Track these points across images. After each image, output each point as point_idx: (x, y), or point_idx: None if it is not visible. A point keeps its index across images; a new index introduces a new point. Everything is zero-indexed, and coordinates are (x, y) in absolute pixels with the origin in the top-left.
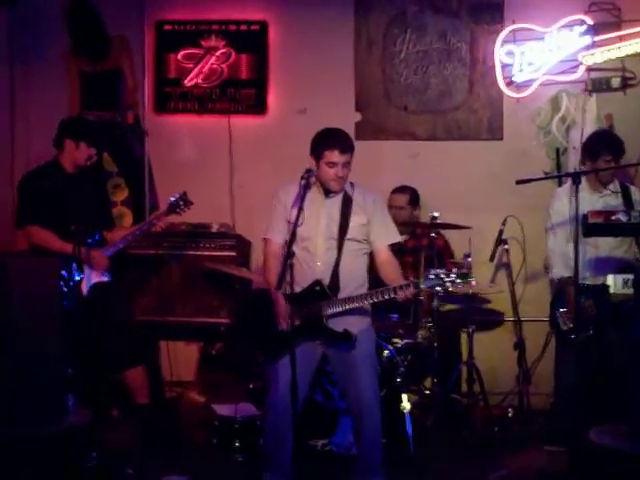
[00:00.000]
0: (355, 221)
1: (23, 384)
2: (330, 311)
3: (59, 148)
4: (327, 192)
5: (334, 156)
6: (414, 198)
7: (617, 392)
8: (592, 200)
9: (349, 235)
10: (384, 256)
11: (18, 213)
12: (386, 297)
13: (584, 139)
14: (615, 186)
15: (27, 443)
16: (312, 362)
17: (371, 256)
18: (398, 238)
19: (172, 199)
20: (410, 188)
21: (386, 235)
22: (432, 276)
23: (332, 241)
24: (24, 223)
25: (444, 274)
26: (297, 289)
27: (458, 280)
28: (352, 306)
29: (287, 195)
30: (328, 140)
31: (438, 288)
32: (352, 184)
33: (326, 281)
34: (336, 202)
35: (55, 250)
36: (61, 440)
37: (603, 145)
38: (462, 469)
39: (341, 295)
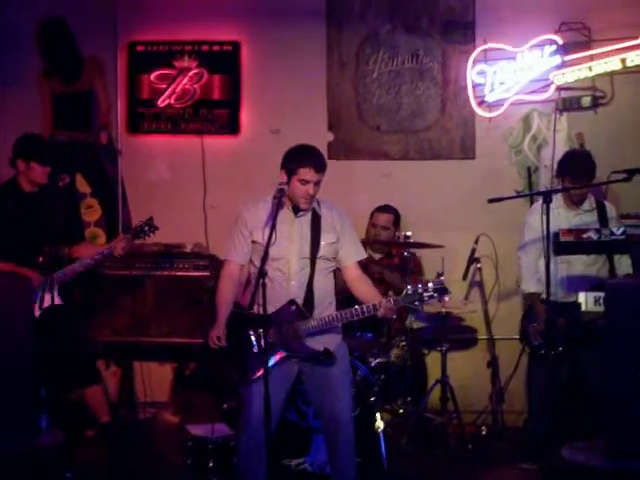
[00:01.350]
0: (325, 239)
1: None
2: (308, 330)
3: (13, 168)
4: (296, 210)
5: (309, 174)
6: (397, 218)
7: (589, 409)
8: (568, 217)
9: (320, 254)
10: (356, 273)
11: None
12: (367, 314)
13: (555, 158)
14: (591, 203)
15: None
16: (287, 382)
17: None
18: (364, 254)
19: (136, 224)
20: (393, 208)
21: (355, 252)
22: (410, 292)
23: (305, 260)
24: None
25: (421, 289)
26: (269, 309)
27: (436, 294)
28: (331, 324)
29: (252, 217)
30: (304, 157)
31: (417, 303)
32: (317, 201)
33: (300, 300)
34: (306, 220)
35: None
36: (35, 460)
37: (572, 168)
38: None
39: (315, 313)
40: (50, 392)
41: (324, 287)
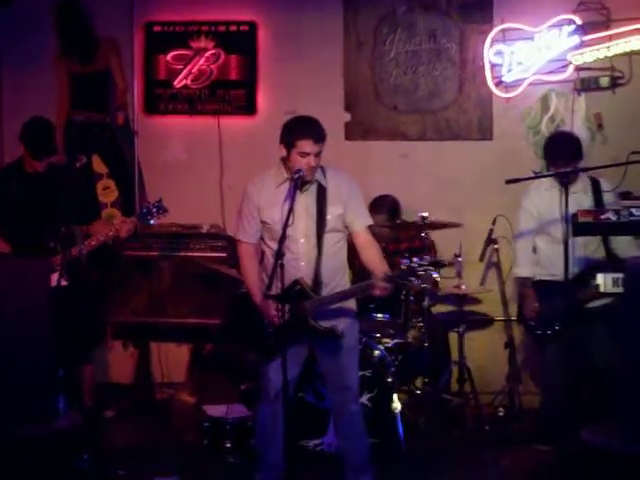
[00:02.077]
0: (332, 212)
1: (14, 386)
2: (313, 309)
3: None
4: (301, 186)
5: (307, 146)
6: (393, 210)
7: (599, 392)
8: (560, 197)
9: (328, 227)
10: (363, 239)
11: None
12: (361, 293)
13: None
14: (584, 182)
15: (18, 445)
16: (299, 359)
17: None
18: (371, 220)
19: (143, 206)
20: (387, 205)
21: (363, 217)
22: (404, 267)
23: (312, 238)
24: None
25: (416, 264)
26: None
27: (430, 268)
28: (333, 304)
29: (259, 195)
30: (301, 129)
31: (412, 278)
32: (323, 169)
33: (309, 279)
34: (311, 195)
35: None
36: (52, 442)
37: (550, 151)
38: (454, 468)
39: (325, 291)
40: (67, 373)
41: (334, 263)
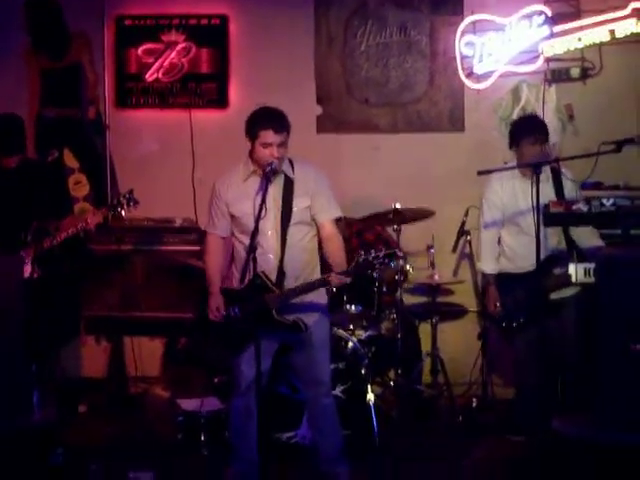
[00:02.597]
0: (299, 205)
1: None
2: (276, 303)
3: None
4: (267, 177)
5: (269, 136)
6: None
7: (566, 382)
8: (524, 188)
9: (294, 220)
10: (327, 231)
11: None
12: (318, 287)
13: None
14: (546, 171)
15: None
16: (270, 355)
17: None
18: (339, 213)
19: (113, 198)
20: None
21: (329, 210)
22: (361, 260)
23: (279, 229)
24: None
25: (372, 257)
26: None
27: (387, 259)
28: (294, 298)
29: (227, 190)
30: (262, 119)
31: (370, 271)
32: (290, 161)
33: (275, 271)
34: (278, 187)
35: None
36: (26, 437)
37: (523, 128)
38: (427, 459)
39: (294, 284)
40: (40, 367)
41: (303, 256)
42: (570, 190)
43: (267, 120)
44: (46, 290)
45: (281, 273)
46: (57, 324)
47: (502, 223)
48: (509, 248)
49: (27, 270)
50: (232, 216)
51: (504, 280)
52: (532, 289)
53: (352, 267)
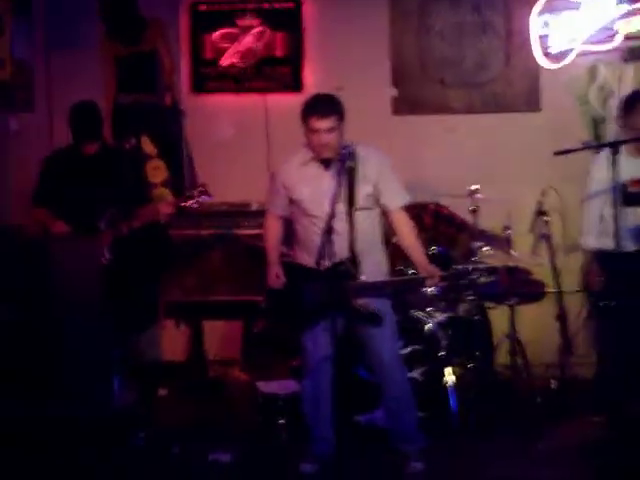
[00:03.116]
0: (361, 192)
1: (70, 364)
2: (355, 292)
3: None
4: (326, 164)
5: (315, 122)
6: None
7: None
8: (629, 166)
9: (358, 206)
10: (397, 219)
11: (32, 191)
12: (414, 288)
13: None
14: None
15: (74, 424)
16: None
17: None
18: (407, 199)
19: (188, 193)
20: None
21: (397, 197)
22: (459, 271)
23: (342, 215)
24: (33, 202)
25: (471, 269)
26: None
27: (482, 279)
28: (377, 291)
29: (286, 173)
30: (309, 106)
31: (463, 281)
32: (354, 147)
33: (344, 256)
34: (340, 173)
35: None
36: (108, 421)
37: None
38: (507, 441)
39: (361, 268)
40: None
41: (368, 239)
42: None
43: (312, 106)
44: (123, 276)
45: (353, 257)
46: (136, 309)
47: (605, 199)
48: (610, 226)
49: (106, 257)
50: (291, 200)
51: (606, 258)
52: (633, 270)
53: (448, 274)
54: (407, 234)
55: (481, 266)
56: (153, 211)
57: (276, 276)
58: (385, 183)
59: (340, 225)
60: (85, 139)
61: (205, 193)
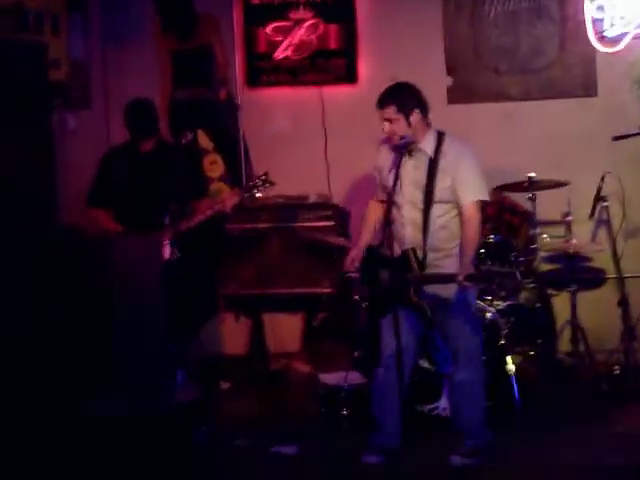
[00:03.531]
0: (439, 184)
1: (133, 360)
2: (413, 283)
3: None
4: (410, 152)
5: (378, 113)
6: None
7: None
8: None
9: (436, 198)
10: (464, 214)
11: (88, 192)
12: (448, 282)
13: None
14: None
15: (138, 418)
16: (412, 329)
17: None
18: (482, 196)
19: (250, 180)
20: None
21: (468, 191)
22: (483, 269)
23: (419, 205)
24: (88, 204)
25: (495, 271)
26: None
27: (505, 279)
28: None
29: (381, 157)
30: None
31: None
32: (440, 139)
33: (416, 246)
34: (420, 164)
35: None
36: (171, 416)
37: None
38: (572, 428)
39: (429, 260)
40: (183, 347)
41: (442, 234)
42: None
43: (379, 96)
44: (185, 271)
45: (424, 248)
46: (196, 304)
47: None
48: None
49: (167, 252)
50: (382, 185)
51: None
52: None
53: (472, 275)
54: (465, 228)
55: (503, 269)
56: (213, 204)
57: (351, 260)
58: (461, 177)
59: (415, 215)
60: (141, 136)
61: (268, 182)
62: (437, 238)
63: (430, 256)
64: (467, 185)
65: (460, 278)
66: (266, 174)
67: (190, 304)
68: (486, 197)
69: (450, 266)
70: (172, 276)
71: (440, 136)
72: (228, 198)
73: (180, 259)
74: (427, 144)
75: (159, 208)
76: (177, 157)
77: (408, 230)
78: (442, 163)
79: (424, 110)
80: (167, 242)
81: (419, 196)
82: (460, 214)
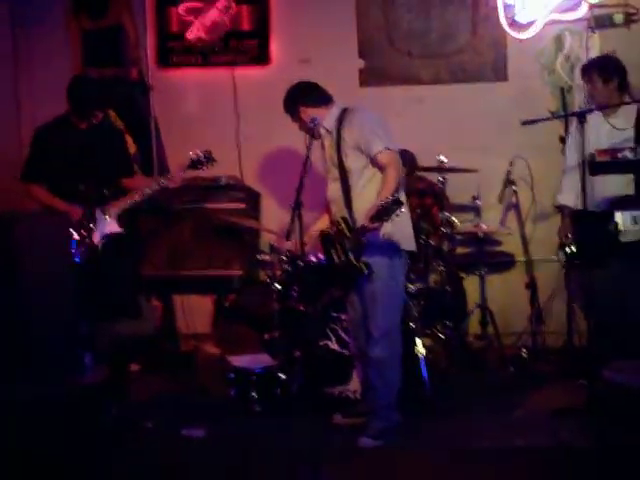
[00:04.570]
0: (347, 153)
1: (38, 343)
2: (349, 246)
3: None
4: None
5: None
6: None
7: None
8: (605, 130)
9: (347, 167)
10: (378, 166)
11: (24, 168)
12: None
13: None
14: (628, 114)
15: (44, 401)
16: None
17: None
18: (386, 144)
19: (193, 155)
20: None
21: (373, 144)
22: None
23: (337, 177)
24: (26, 180)
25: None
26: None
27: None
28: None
29: None
30: None
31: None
32: (342, 112)
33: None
34: (331, 142)
35: (45, 206)
36: (79, 397)
37: (591, 65)
38: (480, 411)
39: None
40: (95, 327)
41: (365, 197)
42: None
43: None
44: (124, 248)
45: (352, 218)
46: (122, 284)
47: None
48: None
49: (114, 227)
50: None
51: (578, 217)
52: (604, 230)
53: (372, 216)
54: (383, 180)
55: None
56: (162, 179)
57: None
58: (361, 136)
59: (337, 187)
60: (83, 112)
61: (212, 159)
62: (362, 202)
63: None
64: (368, 140)
65: (365, 224)
66: (209, 151)
67: (116, 283)
68: (391, 146)
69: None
70: (116, 250)
71: (343, 111)
72: (176, 174)
73: (118, 236)
74: (328, 122)
75: (96, 183)
76: (113, 135)
77: (335, 204)
78: (342, 133)
79: (309, 101)
80: (114, 217)
81: (335, 171)
82: (378, 169)
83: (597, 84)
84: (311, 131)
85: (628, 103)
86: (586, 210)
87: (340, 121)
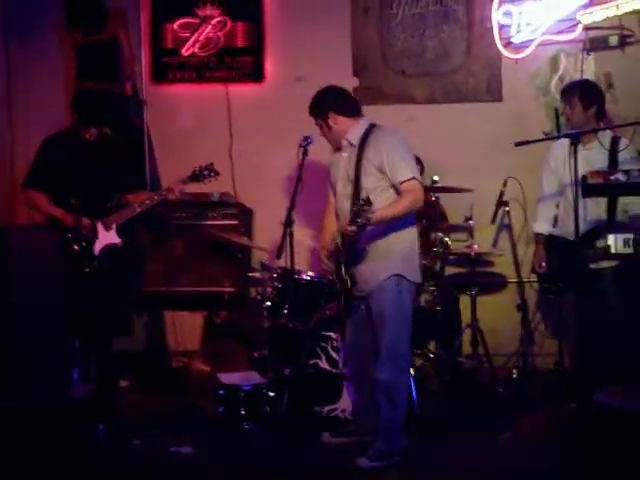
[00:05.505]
0: (366, 171)
1: (27, 359)
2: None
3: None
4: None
5: None
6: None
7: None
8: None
9: (363, 185)
10: (398, 193)
11: (26, 175)
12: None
13: None
14: (604, 140)
15: (31, 417)
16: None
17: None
18: (410, 174)
19: (196, 168)
20: None
21: (396, 173)
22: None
23: (349, 194)
24: (26, 186)
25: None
26: None
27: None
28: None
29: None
30: None
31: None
32: (369, 128)
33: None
34: (350, 159)
35: (45, 214)
36: (66, 414)
37: (572, 88)
38: (469, 431)
39: (369, 248)
40: (87, 343)
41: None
42: (626, 158)
43: None
44: (125, 260)
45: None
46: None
47: (559, 188)
48: (560, 214)
49: (114, 238)
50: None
51: (554, 243)
52: (572, 257)
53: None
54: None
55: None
56: (161, 192)
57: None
58: (387, 161)
59: (346, 205)
60: (90, 123)
61: (214, 172)
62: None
63: (368, 246)
64: (396, 166)
65: (343, 229)
66: (212, 164)
67: (114, 298)
68: (417, 176)
69: (386, 247)
70: (117, 263)
71: (370, 127)
72: (175, 186)
73: (119, 248)
74: (354, 135)
75: (100, 195)
76: (120, 149)
77: (344, 221)
78: (367, 151)
79: (340, 109)
80: (114, 228)
81: (349, 187)
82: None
83: (576, 108)
84: (334, 142)
85: (603, 129)
86: (558, 237)
87: (365, 137)
